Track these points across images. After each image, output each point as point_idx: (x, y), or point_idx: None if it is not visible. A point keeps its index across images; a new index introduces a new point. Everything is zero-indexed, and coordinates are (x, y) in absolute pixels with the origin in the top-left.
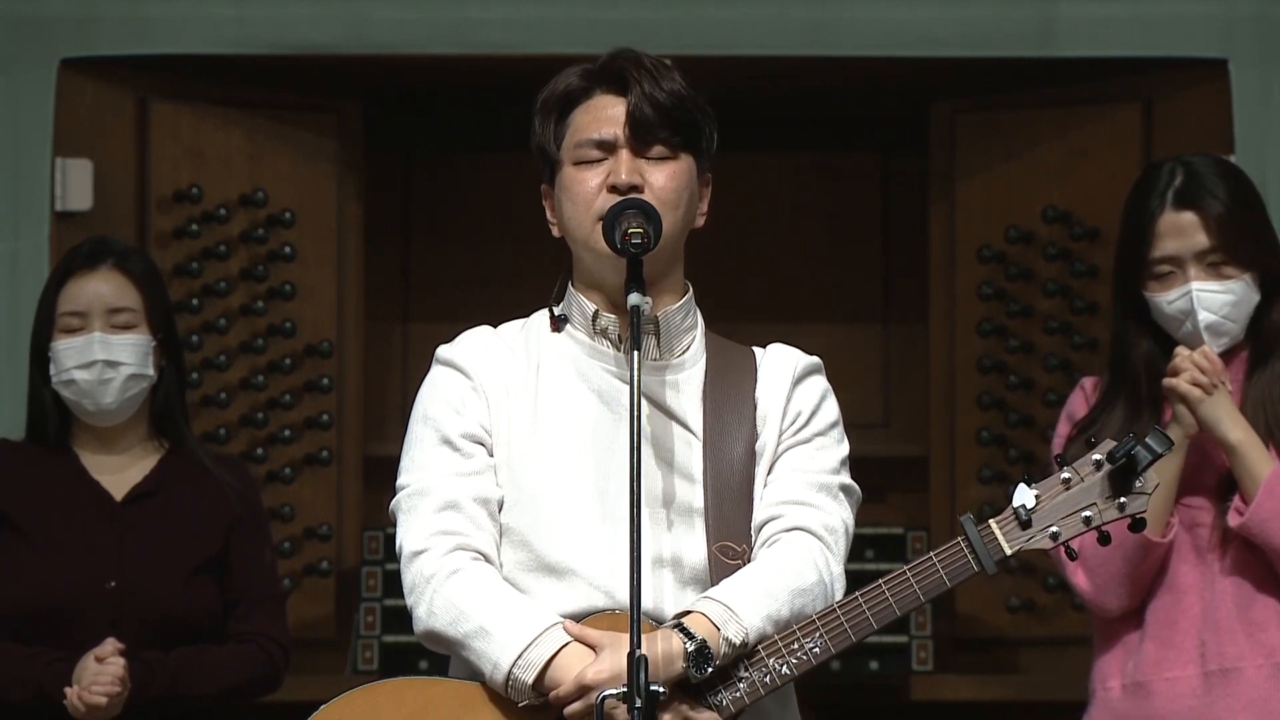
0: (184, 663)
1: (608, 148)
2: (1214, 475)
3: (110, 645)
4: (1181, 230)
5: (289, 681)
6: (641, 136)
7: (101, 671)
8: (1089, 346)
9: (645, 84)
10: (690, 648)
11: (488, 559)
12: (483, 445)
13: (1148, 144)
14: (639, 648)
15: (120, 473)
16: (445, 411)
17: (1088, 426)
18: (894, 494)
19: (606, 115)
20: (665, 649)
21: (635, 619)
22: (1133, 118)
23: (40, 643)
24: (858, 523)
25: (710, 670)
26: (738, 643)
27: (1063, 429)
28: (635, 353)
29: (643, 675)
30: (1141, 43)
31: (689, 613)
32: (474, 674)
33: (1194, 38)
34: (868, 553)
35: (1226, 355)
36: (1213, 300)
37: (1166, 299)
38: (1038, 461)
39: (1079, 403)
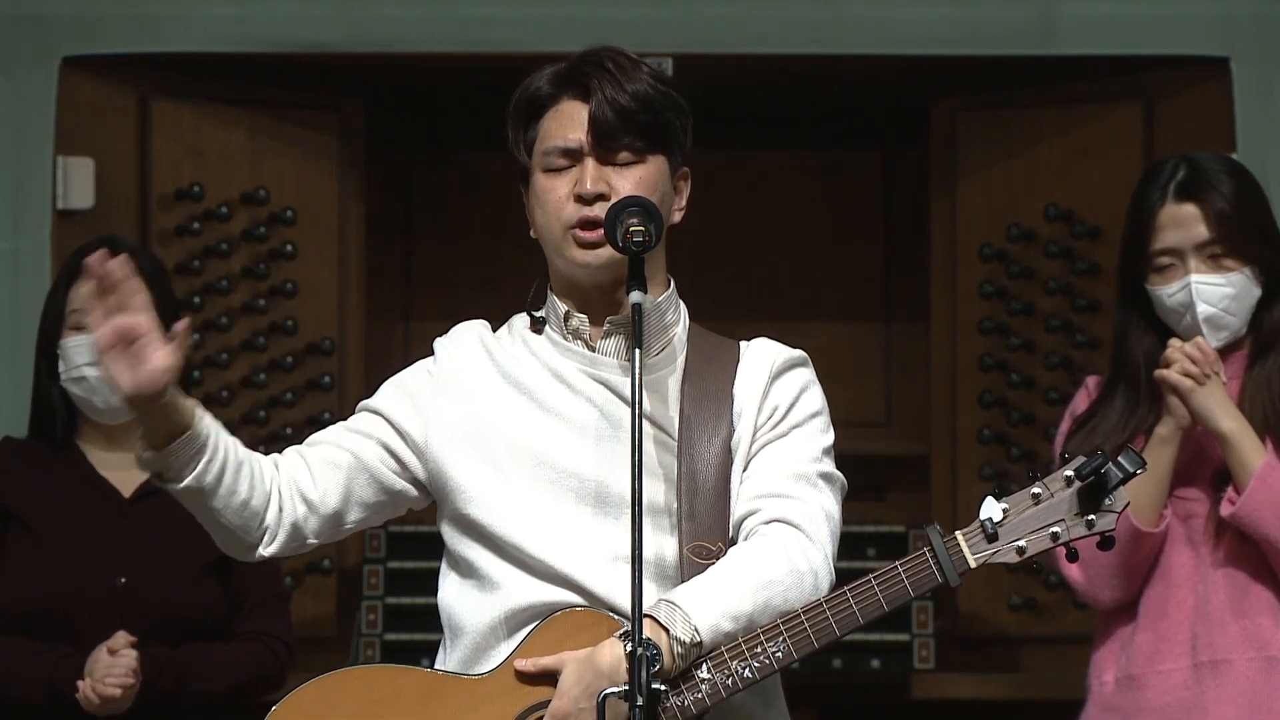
0: (192, 659)
1: (573, 155)
2: (1209, 466)
3: (122, 638)
4: (1182, 222)
5: (291, 680)
6: (605, 143)
7: (114, 664)
8: (1090, 345)
9: (607, 89)
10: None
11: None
12: (396, 432)
13: (1149, 142)
14: (640, 647)
15: (127, 470)
16: (393, 392)
17: (1086, 421)
18: (895, 492)
19: (572, 122)
20: (612, 656)
21: (636, 618)
22: (1134, 116)
23: (48, 639)
24: (859, 521)
25: (658, 669)
26: (687, 640)
27: (1065, 426)
28: (637, 350)
29: (644, 674)
30: (1143, 41)
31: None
32: (465, 664)
33: (1195, 36)
34: (869, 551)
35: (1228, 351)
36: (1212, 293)
37: (1167, 292)
38: (1039, 459)
39: (1082, 401)
